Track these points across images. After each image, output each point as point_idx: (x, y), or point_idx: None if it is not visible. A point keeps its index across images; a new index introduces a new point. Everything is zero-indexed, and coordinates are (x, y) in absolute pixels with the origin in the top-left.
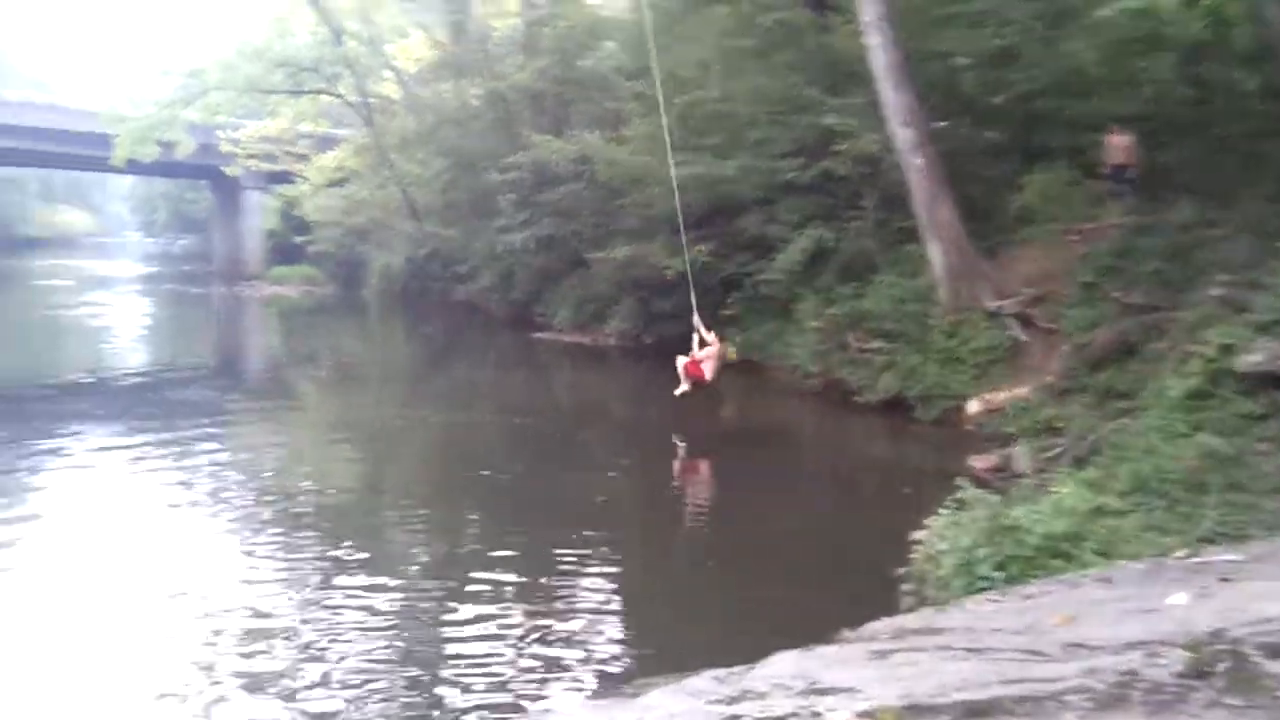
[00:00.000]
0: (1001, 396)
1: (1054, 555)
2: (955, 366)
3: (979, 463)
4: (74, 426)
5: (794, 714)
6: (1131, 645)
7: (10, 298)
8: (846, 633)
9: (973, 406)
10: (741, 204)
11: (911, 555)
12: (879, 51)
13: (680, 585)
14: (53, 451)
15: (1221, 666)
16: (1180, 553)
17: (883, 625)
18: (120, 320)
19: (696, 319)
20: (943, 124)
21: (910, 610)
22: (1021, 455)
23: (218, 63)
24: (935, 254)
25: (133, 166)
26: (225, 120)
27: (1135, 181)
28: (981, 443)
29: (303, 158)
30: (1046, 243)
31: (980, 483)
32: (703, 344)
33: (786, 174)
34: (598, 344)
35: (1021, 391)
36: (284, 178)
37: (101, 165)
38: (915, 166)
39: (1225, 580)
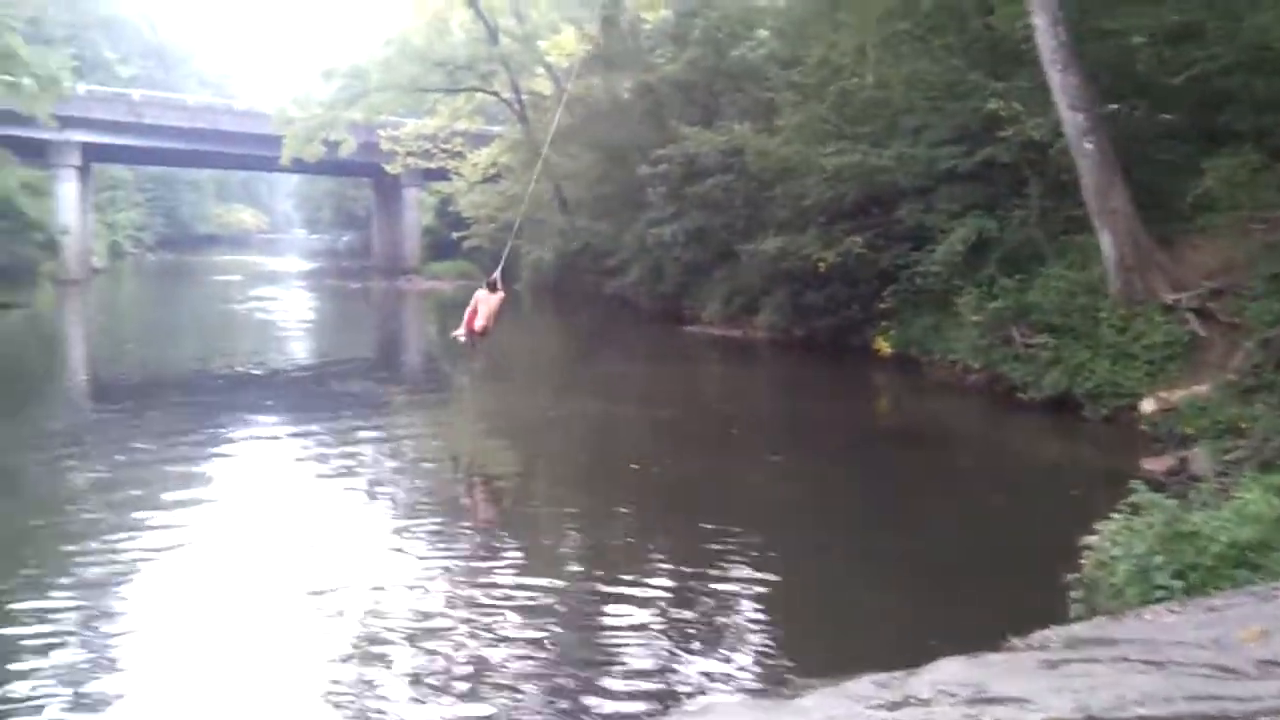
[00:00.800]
0: (1178, 395)
1: (1239, 565)
2: (1127, 362)
3: (1153, 464)
4: (244, 416)
5: None
6: None
7: (190, 292)
8: (1015, 640)
9: (1147, 405)
10: (898, 193)
11: (1081, 561)
12: (1046, 32)
13: (836, 585)
14: (225, 440)
15: None
16: None
17: (1053, 634)
18: (287, 314)
19: (497, 273)
20: (1115, 107)
21: (1081, 619)
22: (1201, 457)
23: (378, 63)
24: (1106, 244)
25: (299, 165)
26: (386, 119)
27: None
28: (1156, 443)
29: (458, 155)
30: (1229, 232)
31: (1155, 486)
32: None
33: (946, 162)
34: (747, 337)
35: (1200, 389)
36: (440, 174)
37: (271, 165)
38: (1085, 151)
39: None
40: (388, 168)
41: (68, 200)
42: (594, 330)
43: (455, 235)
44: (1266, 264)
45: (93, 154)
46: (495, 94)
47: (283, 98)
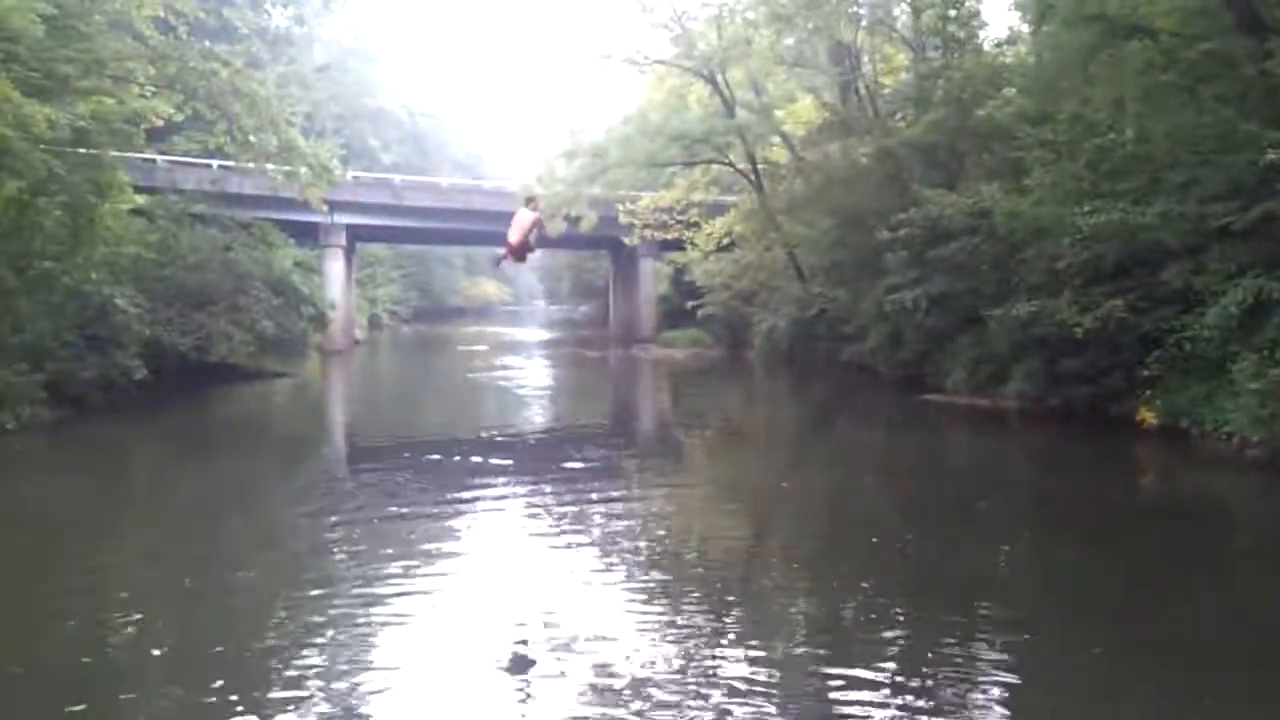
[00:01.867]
0: None
1: None
2: None
3: None
4: (486, 479)
5: None
6: None
7: (439, 361)
8: None
9: None
10: (1163, 253)
11: None
12: None
13: (1095, 679)
14: (467, 501)
15: None
16: None
17: None
18: (527, 382)
19: (538, 197)
20: None
21: None
22: None
23: (617, 141)
24: None
25: (541, 240)
26: (624, 194)
27: None
28: None
29: (693, 225)
30: None
31: None
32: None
33: (1219, 219)
34: (995, 406)
35: None
36: (676, 244)
37: None
38: None
39: None
40: (625, 239)
41: (335, 277)
42: (830, 398)
43: (689, 304)
44: None
45: (357, 234)
46: (730, 164)
47: (528, 177)
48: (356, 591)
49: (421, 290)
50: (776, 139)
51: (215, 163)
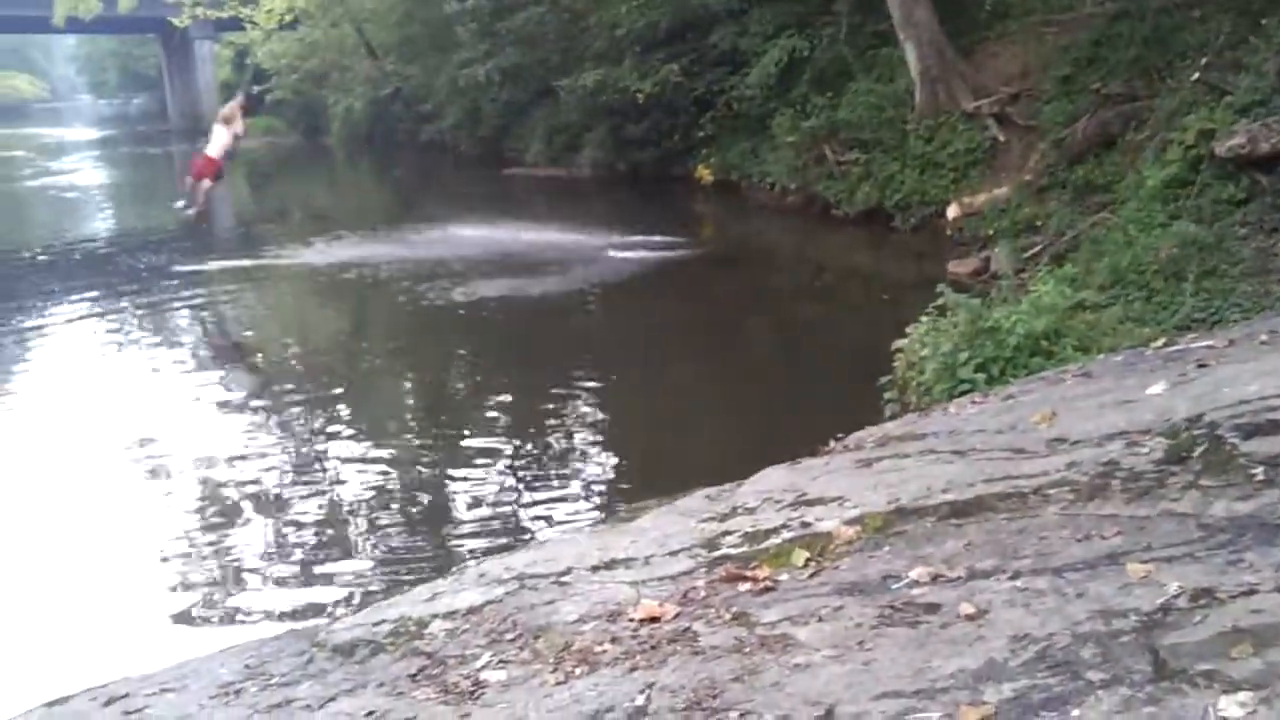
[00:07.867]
0: (980, 199)
1: (1034, 354)
2: (934, 172)
3: (959, 267)
4: (46, 299)
5: (784, 525)
6: (1111, 436)
7: None
8: (833, 443)
9: (952, 211)
10: (711, 18)
11: (894, 363)
12: None
13: (670, 409)
14: (28, 324)
15: (1198, 451)
16: (1158, 342)
17: (867, 434)
18: (80, 187)
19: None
20: None
21: (894, 418)
22: (1001, 256)
23: None
24: (911, 56)
25: (74, 25)
26: None
27: None
28: (961, 247)
29: (250, 1)
30: (1024, 37)
31: (960, 287)
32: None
33: None
34: (571, 175)
35: (1000, 192)
36: (234, 24)
37: (43, 25)
38: None
39: (1202, 366)
40: (174, 20)
41: None
42: (412, 180)
43: (256, 89)
44: (1058, 67)
45: None
46: None
47: None
48: None
49: None
50: None
51: None
